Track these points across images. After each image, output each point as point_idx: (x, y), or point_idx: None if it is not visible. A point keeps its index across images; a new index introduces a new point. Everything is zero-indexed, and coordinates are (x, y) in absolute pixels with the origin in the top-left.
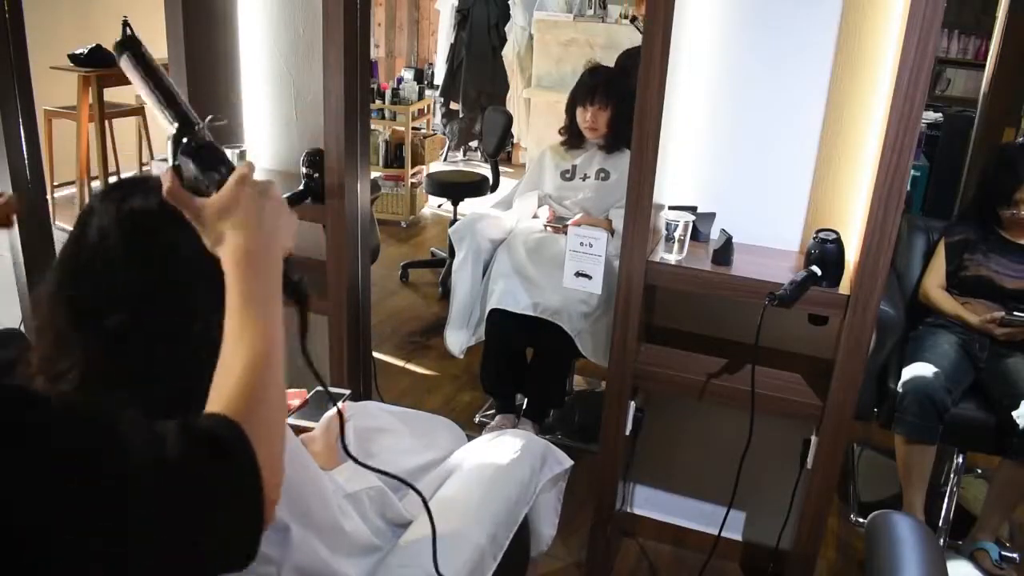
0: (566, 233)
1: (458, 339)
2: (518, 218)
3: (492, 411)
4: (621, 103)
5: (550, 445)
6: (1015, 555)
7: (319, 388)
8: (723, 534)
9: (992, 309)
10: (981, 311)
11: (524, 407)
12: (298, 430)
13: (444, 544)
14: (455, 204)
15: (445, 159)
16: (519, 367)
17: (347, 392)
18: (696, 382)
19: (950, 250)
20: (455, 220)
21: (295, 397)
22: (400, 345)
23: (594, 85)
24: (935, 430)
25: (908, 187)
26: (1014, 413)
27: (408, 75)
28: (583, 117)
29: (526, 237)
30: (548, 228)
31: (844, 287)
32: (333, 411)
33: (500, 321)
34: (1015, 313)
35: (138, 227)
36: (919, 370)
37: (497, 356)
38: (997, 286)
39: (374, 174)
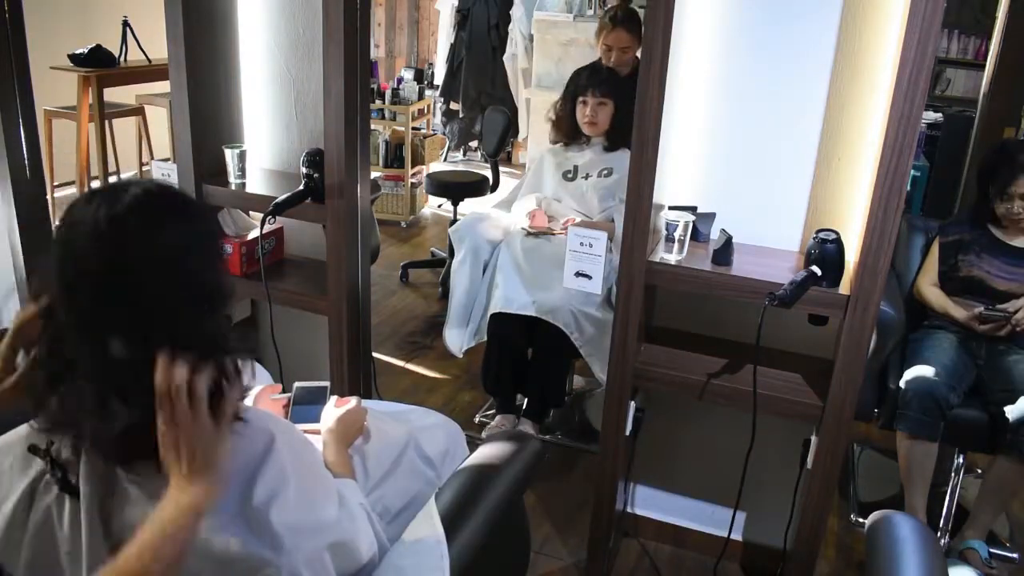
0: (555, 235)
1: (458, 338)
2: (517, 220)
3: (492, 411)
4: (622, 98)
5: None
6: (1014, 555)
7: (298, 384)
8: (724, 534)
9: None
10: (970, 309)
11: (524, 407)
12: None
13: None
14: (455, 204)
15: (445, 159)
16: (520, 368)
17: (327, 384)
18: (696, 382)
19: (944, 250)
20: (455, 220)
21: (274, 391)
22: (400, 345)
23: (595, 78)
24: (937, 427)
25: (908, 187)
26: (1006, 408)
27: (408, 75)
28: (582, 111)
29: (524, 237)
30: (533, 232)
31: (844, 287)
32: (331, 410)
33: (501, 324)
34: (992, 309)
35: (111, 233)
36: (922, 371)
37: (499, 358)
38: (988, 287)
39: (374, 174)
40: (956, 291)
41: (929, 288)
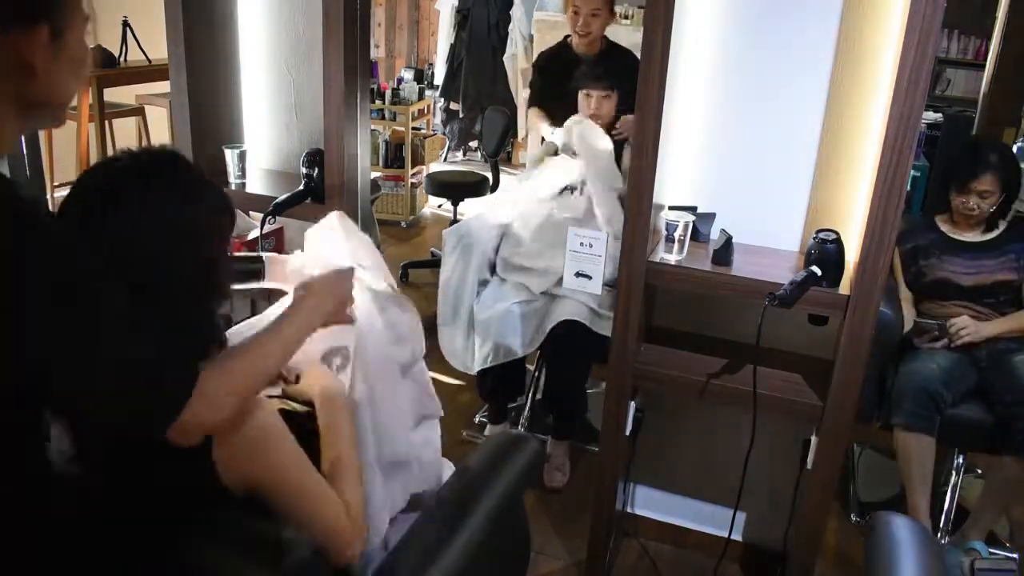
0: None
1: (454, 338)
2: (521, 206)
3: None
4: (625, 87)
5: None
6: (1014, 555)
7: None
8: (724, 534)
9: (962, 309)
10: (956, 312)
11: (551, 431)
12: None
13: None
14: (455, 204)
15: (445, 159)
16: (518, 375)
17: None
18: (696, 382)
19: (905, 259)
20: (455, 220)
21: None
22: None
23: (596, 71)
24: (933, 420)
25: (908, 187)
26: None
27: (408, 75)
28: (586, 103)
29: (527, 221)
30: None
31: (844, 287)
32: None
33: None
34: (927, 319)
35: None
36: (916, 367)
37: (496, 369)
38: (956, 285)
39: (374, 174)
40: (929, 295)
41: (907, 304)
